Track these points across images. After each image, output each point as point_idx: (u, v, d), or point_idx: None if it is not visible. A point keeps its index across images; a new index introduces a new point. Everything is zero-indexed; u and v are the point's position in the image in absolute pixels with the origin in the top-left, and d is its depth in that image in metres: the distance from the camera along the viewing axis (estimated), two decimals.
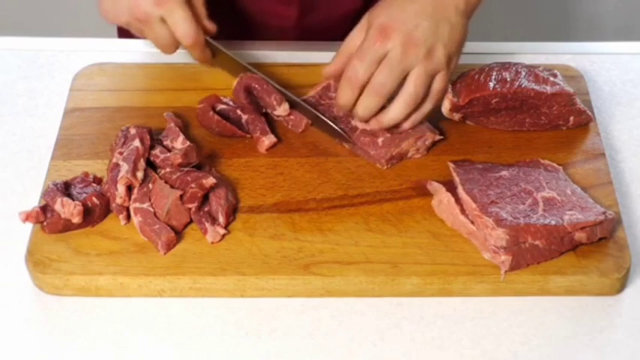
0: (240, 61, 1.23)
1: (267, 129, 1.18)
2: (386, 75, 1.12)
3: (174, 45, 1.20)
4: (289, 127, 1.21)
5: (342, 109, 1.18)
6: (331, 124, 1.18)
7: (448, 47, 1.13)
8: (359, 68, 1.13)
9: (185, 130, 1.18)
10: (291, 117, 1.20)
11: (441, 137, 1.18)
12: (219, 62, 1.25)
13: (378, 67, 1.13)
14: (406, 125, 1.17)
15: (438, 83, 1.15)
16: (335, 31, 1.42)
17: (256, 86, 1.21)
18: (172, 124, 1.17)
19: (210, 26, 1.22)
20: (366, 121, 1.17)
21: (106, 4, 1.19)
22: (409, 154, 1.17)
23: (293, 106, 1.21)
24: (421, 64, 1.12)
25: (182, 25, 1.17)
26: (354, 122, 1.18)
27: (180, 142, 1.15)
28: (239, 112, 1.19)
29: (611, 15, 2.51)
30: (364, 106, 1.15)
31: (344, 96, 1.15)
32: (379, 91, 1.13)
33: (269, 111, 1.21)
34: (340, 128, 1.18)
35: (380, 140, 1.16)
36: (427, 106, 1.16)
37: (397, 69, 1.12)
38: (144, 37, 1.21)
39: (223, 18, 1.39)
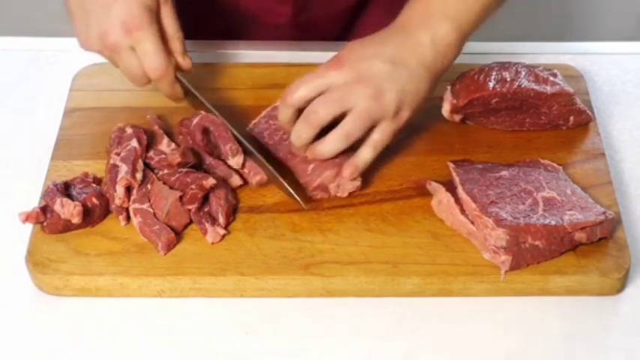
0: (210, 106, 1.17)
1: (231, 171, 1.13)
2: (322, 106, 1.07)
3: (144, 77, 1.15)
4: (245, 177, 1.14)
5: (283, 128, 1.14)
6: (286, 185, 1.10)
7: (400, 95, 1.07)
8: (295, 89, 1.09)
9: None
10: (245, 170, 1.13)
11: (358, 184, 1.12)
12: (189, 102, 1.20)
13: (318, 97, 1.08)
14: (345, 172, 1.10)
15: (377, 133, 1.09)
16: (331, 29, 1.43)
17: (213, 130, 1.15)
18: (156, 127, 1.17)
19: (185, 63, 1.17)
20: (301, 149, 1.12)
21: (79, 31, 1.15)
22: (332, 191, 1.12)
23: (250, 156, 1.14)
24: (365, 103, 1.06)
25: (150, 57, 1.12)
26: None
27: (165, 145, 1.15)
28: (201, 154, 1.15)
29: (612, 15, 2.51)
30: (295, 133, 1.10)
31: (280, 115, 1.12)
32: (311, 120, 1.08)
33: (223, 159, 1.14)
34: (295, 192, 1.10)
35: (310, 168, 1.12)
36: (366, 155, 1.10)
37: (337, 102, 1.07)
38: (116, 66, 1.16)
39: (217, 15, 1.39)
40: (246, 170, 1.13)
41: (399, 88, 1.08)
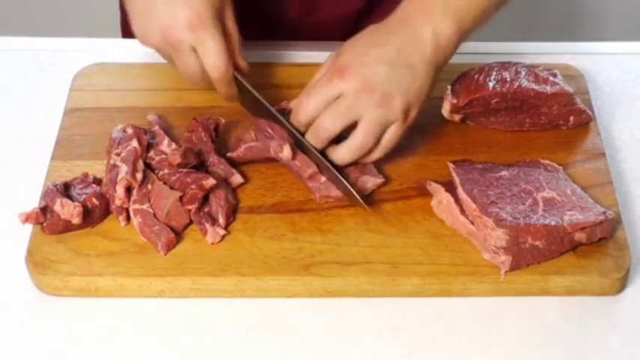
0: (266, 103, 1.16)
1: (232, 169, 1.13)
2: (331, 120, 1.08)
3: (201, 75, 1.15)
4: (294, 172, 1.13)
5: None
6: (348, 185, 1.09)
7: (406, 96, 1.08)
8: (305, 106, 1.09)
9: (180, 130, 1.19)
10: (296, 162, 1.11)
11: (383, 180, 1.13)
12: (243, 100, 1.19)
13: (325, 110, 1.08)
14: (347, 162, 1.11)
15: (389, 134, 1.09)
16: (337, 31, 1.42)
17: (269, 130, 1.14)
18: (156, 127, 1.17)
19: (243, 64, 1.17)
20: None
21: (138, 24, 1.14)
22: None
23: (302, 150, 1.12)
24: (373, 111, 1.07)
25: (213, 56, 1.11)
26: None
27: (165, 145, 1.15)
28: (202, 156, 1.14)
29: (612, 15, 2.51)
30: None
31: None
32: (321, 135, 1.09)
33: (273, 155, 1.13)
34: (349, 186, 1.10)
35: (323, 179, 1.11)
36: (375, 155, 1.11)
37: (345, 114, 1.07)
38: (172, 63, 1.16)
39: None
40: (297, 163, 1.12)
41: (404, 90, 1.08)
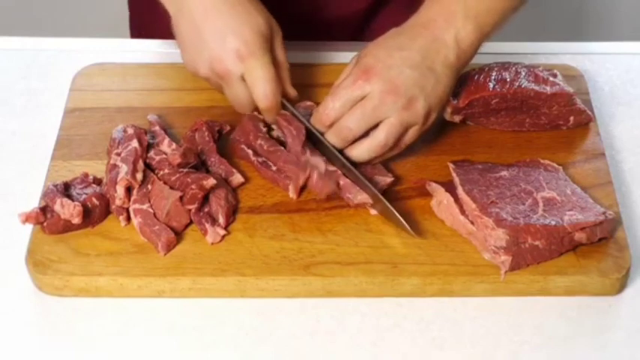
0: (318, 134, 1.13)
1: (232, 169, 1.13)
2: (356, 120, 1.09)
3: (251, 105, 1.14)
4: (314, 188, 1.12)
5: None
6: (396, 213, 1.08)
7: (429, 100, 1.09)
8: (331, 107, 1.10)
9: (180, 130, 1.19)
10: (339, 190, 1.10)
11: (392, 179, 1.13)
12: None
13: (350, 110, 1.09)
14: (364, 161, 1.12)
15: (408, 136, 1.11)
16: (346, 29, 1.42)
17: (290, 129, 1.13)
18: (157, 127, 1.17)
19: (292, 92, 1.16)
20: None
21: (187, 55, 1.13)
22: (347, 198, 1.11)
23: (323, 153, 1.12)
24: (397, 114, 1.08)
25: (262, 85, 1.10)
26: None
27: (165, 145, 1.15)
28: (202, 156, 1.15)
29: (613, 15, 2.51)
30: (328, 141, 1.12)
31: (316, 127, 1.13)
32: (345, 135, 1.10)
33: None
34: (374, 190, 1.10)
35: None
36: (389, 154, 1.13)
37: (370, 116, 1.08)
38: (221, 92, 1.15)
39: None
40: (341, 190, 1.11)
41: (427, 94, 1.09)
